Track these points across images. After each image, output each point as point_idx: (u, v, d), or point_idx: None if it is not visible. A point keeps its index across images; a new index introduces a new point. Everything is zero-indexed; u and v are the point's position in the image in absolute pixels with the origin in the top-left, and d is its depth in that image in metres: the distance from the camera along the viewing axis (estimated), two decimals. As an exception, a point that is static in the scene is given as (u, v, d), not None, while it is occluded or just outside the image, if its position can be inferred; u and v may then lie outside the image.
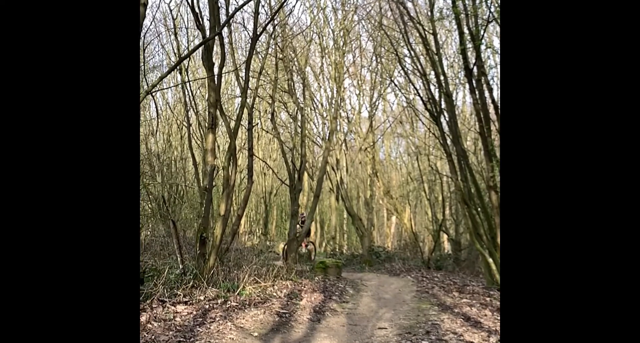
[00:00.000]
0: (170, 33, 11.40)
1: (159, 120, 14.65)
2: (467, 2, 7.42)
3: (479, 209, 7.80)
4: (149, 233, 10.39)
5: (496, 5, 7.11)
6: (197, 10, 6.88)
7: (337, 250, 17.38)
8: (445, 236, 15.39)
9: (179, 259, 6.01)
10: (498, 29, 10.47)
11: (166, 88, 14.57)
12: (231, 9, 7.72)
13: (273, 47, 10.43)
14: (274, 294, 5.98)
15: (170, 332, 3.95)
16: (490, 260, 7.38)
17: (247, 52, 7.74)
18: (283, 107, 13.63)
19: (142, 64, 8.53)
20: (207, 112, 7.34)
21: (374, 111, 15.19)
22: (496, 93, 14.50)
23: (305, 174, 13.77)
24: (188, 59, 12.79)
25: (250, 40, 7.83)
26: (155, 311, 4.47)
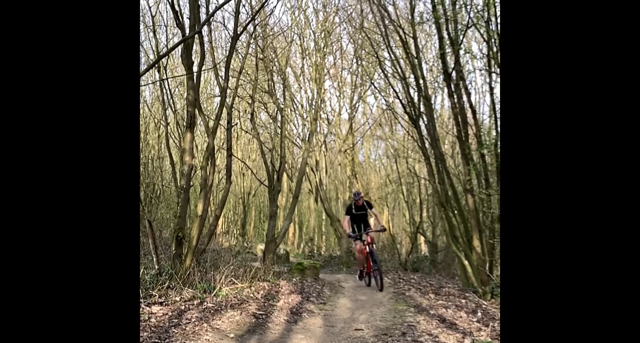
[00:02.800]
0: (149, 30, 11.25)
1: (136, 118, 14.41)
2: (447, 7, 7.51)
3: (456, 211, 7.89)
4: (124, 232, 10.20)
5: (475, 11, 7.22)
6: (177, 8, 6.81)
7: (315, 251, 17.38)
8: (422, 238, 15.53)
9: (154, 259, 5.92)
10: (477, 34, 10.63)
11: (144, 85, 14.36)
12: (211, 8, 7.67)
13: (253, 47, 10.39)
14: (251, 295, 5.94)
15: (145, 333, 3.90)
16: (466, 262, 7.47)
17: (227, 52, 7.69)
18: (263, 107, 13.58)
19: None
20: (185, 111, 7.26)
21: (354, 113, 15.26)
22: (474, 98, 14.71)
23: (285, 175, 13.74)
24: (167, 57, 12.63)
25: (230, 39, 7.78)
26: (129, 312, 4.40)
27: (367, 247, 7.65)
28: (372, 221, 8.87)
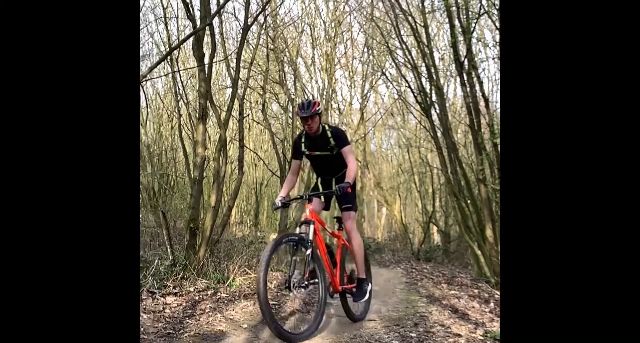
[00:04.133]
0: (160, 22, 11.27)
1: (149, 110, 14.53)
2: (458, -6, 7.41)
3: (469, 201, 7.86)
4: (138, 223, 10.31)
5: (488, -2, 7.11)
6: (187, -1, 6.80)
7: (328, 240, 17.43)
8: (434, 228, 15.49)
9: (168, 250, 6.00)
10: (489, 22, 10.47)
11: (156, 78, 14.42)
12: (222, -1, 7.63)
13: (264, 37, 10.37)
14: (264, 285, 5.98)
15: (160, 324, 3.96)
16: (479, 252, 7.46)
17: (238, 43, 7.68)
18: (274, 98, 13.57)
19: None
20: (197, 103, 7.29)
21: (365, 102, 15.20)
22: (487, 87, 14.54)
23: (296, 165, 13.70)
24: (178, 49, 12.66)
25: (241, 30, 7.77)
26: (144, 302, 4.47)
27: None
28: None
